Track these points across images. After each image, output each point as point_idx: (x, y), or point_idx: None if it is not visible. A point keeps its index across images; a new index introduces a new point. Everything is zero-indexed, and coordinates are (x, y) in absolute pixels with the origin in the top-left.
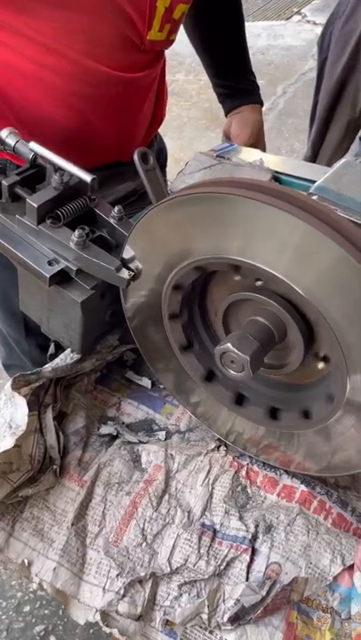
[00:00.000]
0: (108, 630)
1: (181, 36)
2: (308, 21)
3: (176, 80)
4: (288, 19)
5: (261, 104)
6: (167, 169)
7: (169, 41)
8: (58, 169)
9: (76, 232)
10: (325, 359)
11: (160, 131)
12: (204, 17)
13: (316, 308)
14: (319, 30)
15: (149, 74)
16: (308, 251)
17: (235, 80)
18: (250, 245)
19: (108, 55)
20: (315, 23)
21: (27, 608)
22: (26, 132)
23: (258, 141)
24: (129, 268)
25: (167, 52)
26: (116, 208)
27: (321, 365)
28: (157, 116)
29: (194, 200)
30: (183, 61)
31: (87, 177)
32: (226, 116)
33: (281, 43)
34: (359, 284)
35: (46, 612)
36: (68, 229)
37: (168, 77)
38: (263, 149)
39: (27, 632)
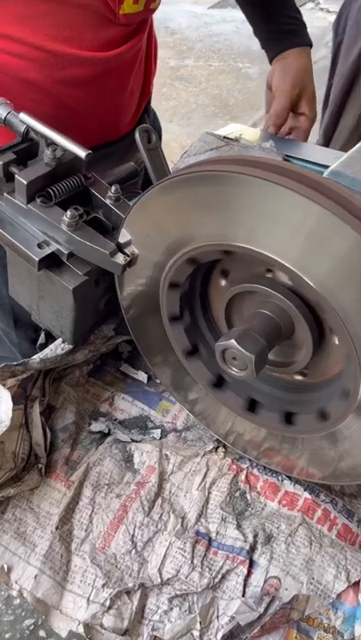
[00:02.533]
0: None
1: (191, 20)
2: (322, 9)
3: (185, 65)
4: (301, 6)
5: (310, 45)
6: (173, 156)
7: (148, 10)
8: (50, 143)
9: (68, 212)
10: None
11: (167, 117)
12: None
13: (327, 300)
14: (332, 18)
15: (132, 46)
16: (322, 237)
17: (275, 20)
18: (258, 231)
19: (79, 36)
20: (328, 11)
21: (17, 601)
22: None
23: (303, 92)
24: (124, 253)
25: (175, 38)
26: (113, 187)
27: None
28: (146, 87)
29: (198, 179)
30: (193, 47)
31: (82, 152)
32: (270, 63)
33: None
34: None
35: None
36: (60, 209)
37: (177, 63)
38: (312, 101)
39: (16, 625)
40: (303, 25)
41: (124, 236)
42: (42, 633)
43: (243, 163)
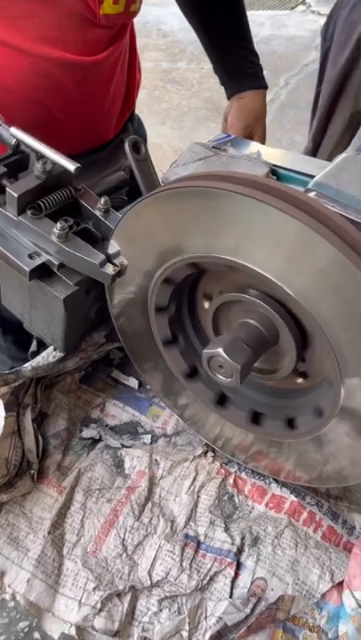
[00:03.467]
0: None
1: (183, 22)
2: (313, 11)
3: (177, 68)
4: (293, 8)
5: (265, 87)
6: (165, 160)
7: (128, 12)
8: (40, 157)
9: (58, 224)
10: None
11: (160, 119)
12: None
13: (308, 311)
14: (323, 21)
15: (111, 53)
16: (303, 251)
17: (236, 63)
18: (242, 245)
19: (62, 38)
20: (319, 13)
21: (11, 604)
22: None
23: (255, 132)
24: (113, 264)
25: (167, 41)
26: (103, 199)
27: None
28: (129, 96)
29: (185, 194)
30: (185, 49)
31: (71, 166)
32: (228, 99)
33: (285, 33)
34: (353, 287)
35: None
36: (50, 221)
37: (169, 65)
38: (262, 141)
39: (11, 628)
40: (261, 69)
41: (113, 247)
42: (36, 635)
43: (228, 179)
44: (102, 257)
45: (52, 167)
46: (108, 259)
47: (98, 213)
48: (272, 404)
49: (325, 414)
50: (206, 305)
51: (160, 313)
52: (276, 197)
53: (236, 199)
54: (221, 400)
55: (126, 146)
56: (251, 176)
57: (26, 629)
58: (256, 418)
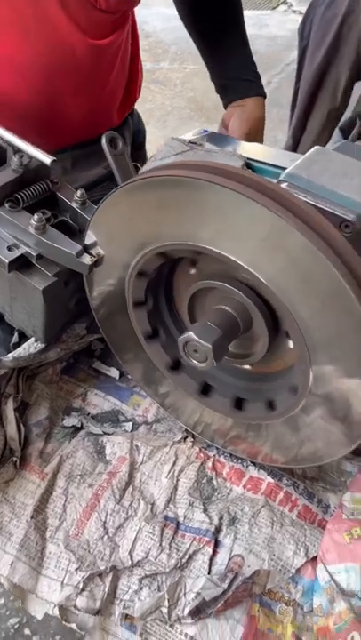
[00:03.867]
0: (67, 625)
1: (166, 23)
2: (294, 11)
3: (160, 68)
4: (274, 8)
5: (264, 96)
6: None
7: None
8: (17, 151)
9: (35, 216)
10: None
11: (144, 119)
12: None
13: (279, 298)
14: None
15: (113, 40)
16: (274, 240)
17: (236, 70)
18: (216, 233)
19: (71, 14)
20: (300, 13)
21: (1, 600)
22: None
23: (255, 140)
24: (90, 254)
25: (150, 41)
26: (79, 192)
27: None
28: (131, 92)
29: (157, 183)
30: (168, 49)
31: (47, 159)
32: (225, 107)
33: (266, 32)
34: (323, 276)
35: (21, 604)
36: (28, 214)
37: (152, 65)
38: None
39: (1, 624)
40: (259, 77)
41: (90, 238)
42: (27, 631)
43: (205, 169)
44: (79, 247)
45: (29, 161)
46: (85, 249)
47: (75, 206)
48: (252, 389)
49: (299, 391)
50: (192, 271)
51: (138, 307)
52: (248, 186)
53: (208, 188)
54: (205, 389)
55: (103, 141)
56: (223, 165)
57: (16, 626)
58: (239, 403)
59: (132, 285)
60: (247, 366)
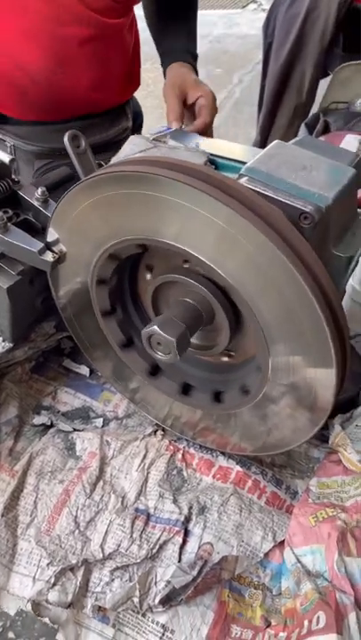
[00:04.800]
0: (41, 619)
1: (138, 22)
2: (264, 10)
3: None
4: (244, 7)
5: (192, 65)
6: None
7: None
8: None
9: None
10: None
11: None
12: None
13: (238, 292)
14: None
15: (121, 24)
16: (232, 236)
17: (172, 43)
18: (177, 228)
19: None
20: None
21: None
22: (3, 80)
23: (184, 83)
24: (53, 251)
25: None
26: (40, 190)
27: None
28: (134, 75)
29: (117, 179)
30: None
31: (6, 158)
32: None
33: (237, 31)
34: (277, 270)
35: (4, 609)
36: None
37: None
38: (194, 85)
39: None
40: (195, 55)
41: (51, 235)
42: (11, 634)
43: (162, 165)
44: (41, 245)
45: None
46: (48, 246)
47: (36, 204)
48: (202, 377)
49: (251, 393)
50: (148, 276)
51: (101, 285)
52: (206, 183)
53: (166, 184)
54: (154, 371)
55: (66, 139)
56: (180, 161)
57: None
58: (186, 389)
59: (101, 265)
60: (225, 358)
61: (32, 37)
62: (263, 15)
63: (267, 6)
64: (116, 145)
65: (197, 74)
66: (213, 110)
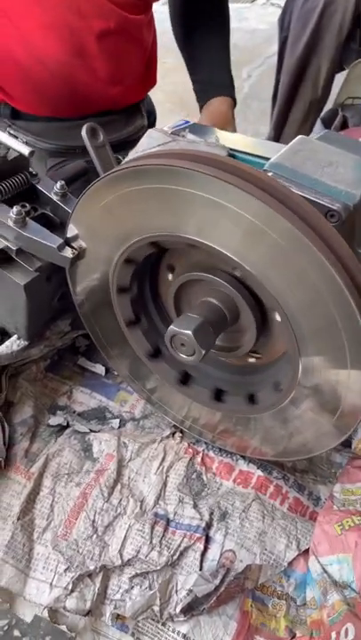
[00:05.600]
0: (60, 628)
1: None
2: (273, 4)
3: None
4: (253, 1)
5: (233, 98)
6: None
7: None
8: None
9: (15, 209)
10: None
11: None
12: (189, 13)
13: (268, 289)
14: None
15: (141, 20)
16: (261, 229)
17: (209, 73)
18: (202, 223)
19: None
20: (279, 6)
21: None
22: (20, 74)
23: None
24: (72, 247)
25: None
26: (59, 184)
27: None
28: (150, 72)
29: (140, 173)
30: None
31: (25, 150)
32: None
33: (246, 25)
34: (309, 265)
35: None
36: (7, 207)
37: None
38: None
39: None
40: (232, 82)
41: (71, 231)
42: (16, 632)
43: (187, 157)
44: (60, 241)
45: (7, 152)
46: (67, 242)
47: (55, 198)
48: (233, 381)
49: (284, 388)
50: (170, 277)
51: (122, 294)
52: (236, 176)
53: (192, 176)
54: (185, 379)
55: (84, 133)
56: (207, 153)
57: (5, 627)
58: (218, 395)
59: (118, 272)
60: (252, 359)
61: (52, 29)
62: (272, 9)
63: (276, 1)
64: (131, 144)
65: (235, 105)
66: None
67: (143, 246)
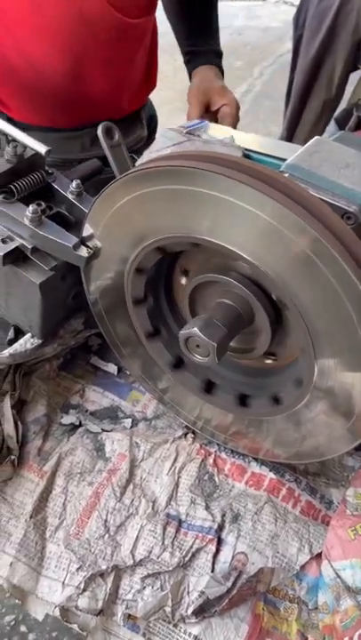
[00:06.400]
0: (68, 625)
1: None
2: (286, 2)
3: None
4: None
5: (219, 67)
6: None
7: None
8: (11, 140)
9: (30, 207)
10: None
11: None
12: None
13: (284, 291)
14: None
15: (143, 24)
16: (279, 232)
17: (198, 42)
18: (218, 224)
19: None
20: (292, 4)
21: None
22: (15, 81)
23: (209, 90)
24: (87, 246)
25: None
26: (75, 183)
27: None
28: (150, 76)
29: (158, 174)
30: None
31: (42, 149)
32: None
33: (258, 23)
34: (329, 268)
35: (17, 601)
36: (23, 205)
37: None
38: (221, 91)
39: None
40: (220, 55)
41: (87, 230)
42: (23, 628)
43: (204, 159)
44: (76, 240)
45: (24, 151)
46: (82, 241)
47: (70, 197)
48: (256, 384)
49: (304, 384)
50: (184, 280)
51: (139, 305)
52: (254, 177)
53: (208, 177)
54: (209, 387)
55: (99, 131)
56: (222, 155)
57: (12, 623)
58: (243, 400)
59: (132, 283)
60: (268, 361)
61: (48, 36)
62: (285, 7)
63: None
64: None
65: (223, 73)
66: (236, 119)
67: (150, 252)
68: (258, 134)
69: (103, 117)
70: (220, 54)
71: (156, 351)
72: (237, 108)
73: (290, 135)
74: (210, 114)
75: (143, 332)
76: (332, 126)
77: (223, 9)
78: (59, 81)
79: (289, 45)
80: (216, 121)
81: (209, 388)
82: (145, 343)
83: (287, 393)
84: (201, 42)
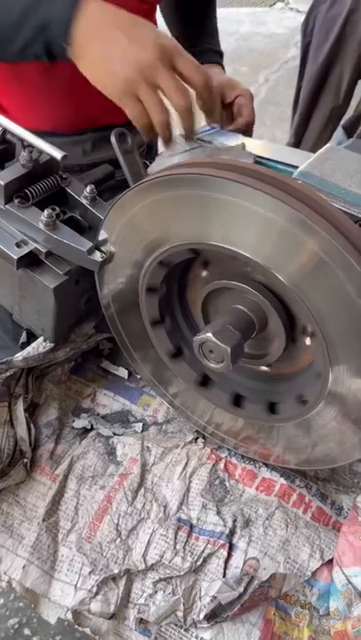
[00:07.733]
0: (80, 629)
1: (158, 17)
2: (292, 9)
3: None
4: (271, 5)
5: (221, 65)
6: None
7: None
8: (27, 145)
9: (45, 212)
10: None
11: None
12: None
13: (299, 297)
14: (302, 18)
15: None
16: (294, 238)
17: (197, 43)
18: (232, 231)
19: None
20: (298, 10)
21: (0, 601)
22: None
23: (219, 83)
24: (101, 251)
25: None
26: (89, 188)
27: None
28: None
29: (173, 182)
30: None
31: (57, 154)
32: None
33: (264, 30)
34: (344, 275)
35: (21, 604)
36: (38, 209)
37: None
38: (230, 84)
39: (0, 625)
40: (221, 55)
41: (102, 236)
42: (27, 631)
43: (217, 166)
44: (90, 244)
45: (39, 156)
46: (96, 246)
47: (84, 202)
48: (255, 388)
49: (310, 403)
50: (204, 273)
51: (151, 293)
52: (269, 184)
53: (226, 185)
54: (204, 381)
55: (113, 137)
56: (235, 161)
57: (16, 626)
58: (237, 400)
59: (151, 273)
60: (264, 367)
61: None
62: (291, 14)
63: (294, 5)
64: None
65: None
66: (252, 110)
67: (183, 251)
68: (263, 140)
69: (106, 121)
70: (220, 54)
71: (158, 339)
72: (252, 97)
73: (297, 142)
74: (225, 107)
75: (149, 319)
76: (339, 133)
77: (229, 15)
78: (60, 83)
79: (294, 52)
80: (232, 114)
81: (205, 381)
82: (148, 330)
83: (286, 405)
84: (200, 42)
